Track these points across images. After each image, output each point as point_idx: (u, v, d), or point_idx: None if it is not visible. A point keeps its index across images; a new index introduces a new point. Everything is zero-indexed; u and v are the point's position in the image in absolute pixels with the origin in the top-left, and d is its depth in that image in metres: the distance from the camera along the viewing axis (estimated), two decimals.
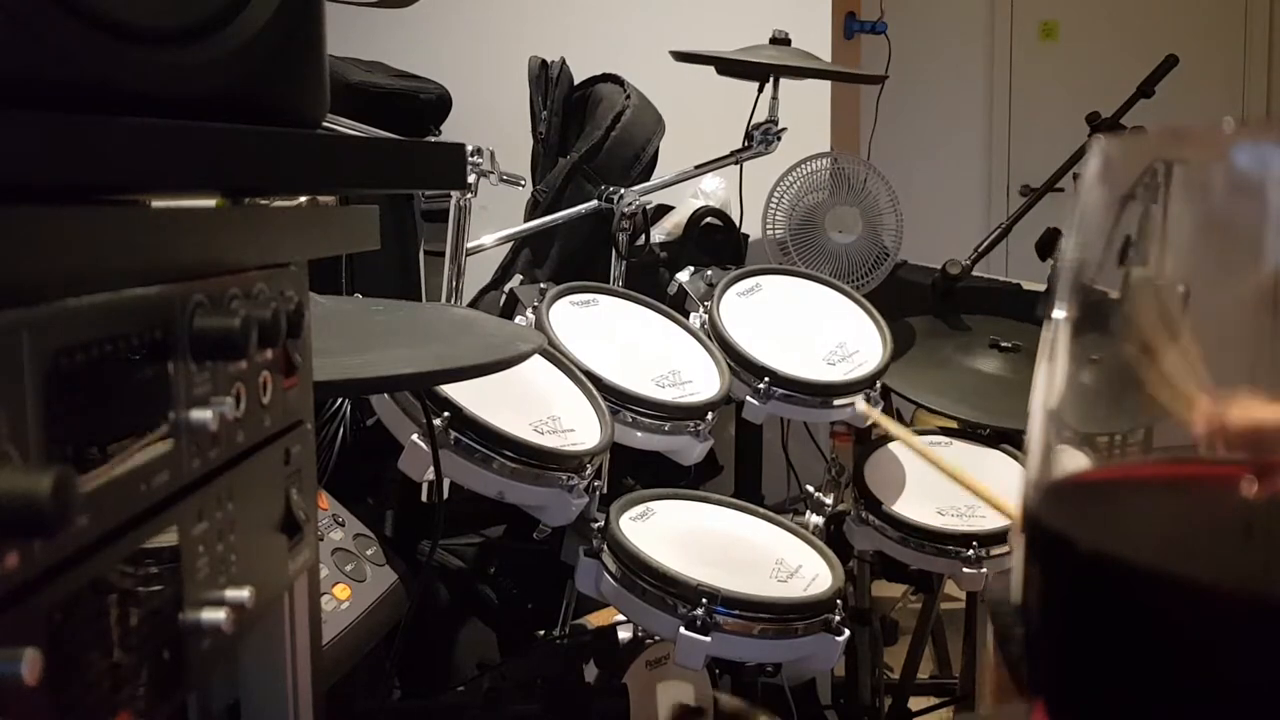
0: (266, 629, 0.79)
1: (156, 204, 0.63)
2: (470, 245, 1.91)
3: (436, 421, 1.35)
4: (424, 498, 1.60)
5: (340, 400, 1.76)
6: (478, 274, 2.23)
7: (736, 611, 1.41)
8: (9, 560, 0.45)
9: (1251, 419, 0.31)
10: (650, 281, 2.10)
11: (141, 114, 0.55)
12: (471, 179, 1.81)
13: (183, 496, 0.60)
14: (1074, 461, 0.34)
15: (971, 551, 1.67)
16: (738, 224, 2.36)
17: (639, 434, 1.61)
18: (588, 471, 1.47)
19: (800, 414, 1.83)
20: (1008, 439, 1.91)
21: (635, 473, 1.87)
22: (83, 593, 0.51)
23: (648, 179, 2.23)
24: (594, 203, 2.08)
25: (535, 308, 1.69)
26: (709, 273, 2.05)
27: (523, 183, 1.98)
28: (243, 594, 0.64)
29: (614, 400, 1.59)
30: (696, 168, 2.21)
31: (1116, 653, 0.30)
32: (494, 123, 2.48)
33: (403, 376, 1.07)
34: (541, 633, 1.78)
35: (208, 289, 0.62)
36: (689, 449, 1.66)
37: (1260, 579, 0.30)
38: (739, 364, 1.77)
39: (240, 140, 0.62)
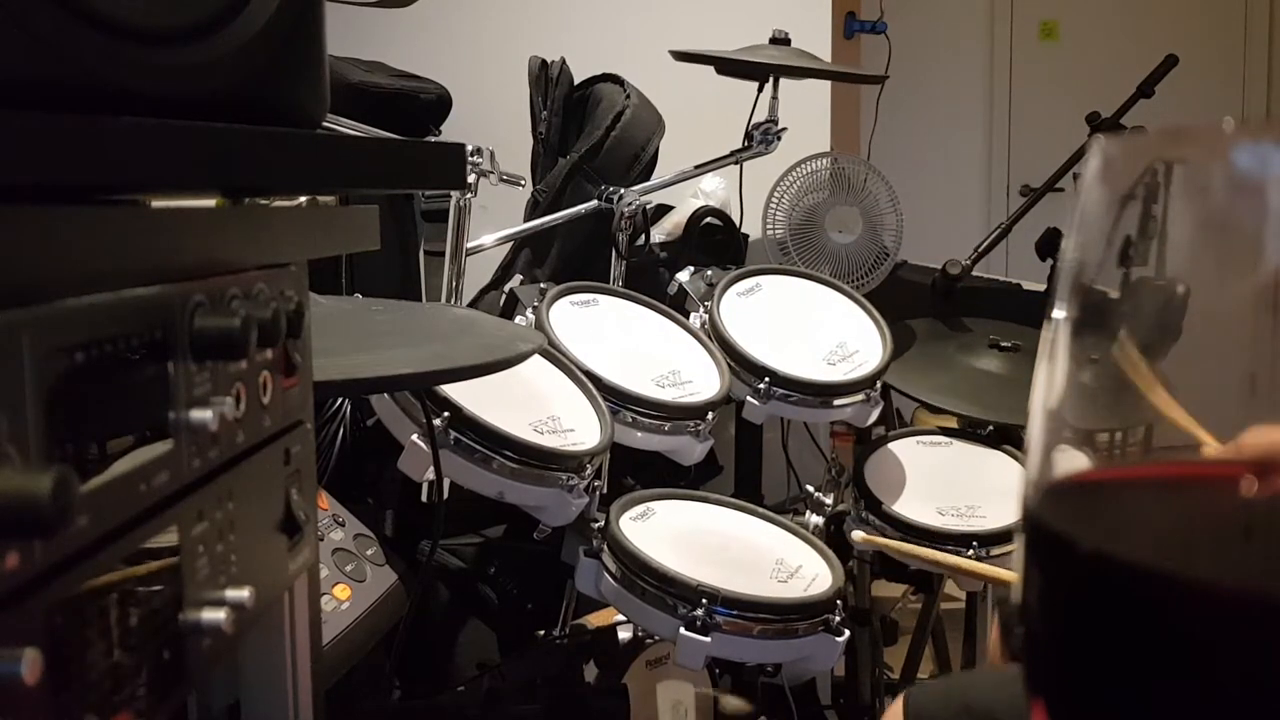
0: (266, 629, 0.79)
1: (156, 204, 0.63)
2: (470, 245, 1.91)
3: (436, 421, 1.35)
4: (424, 498, 1.60)
5: (340, 400, 1.76)
6: (478, 274, 2.23)
7: (736, 612, 1.41)
8: (9, 560, 0.45)
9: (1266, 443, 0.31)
10: (650, 281, 2.10)
11: (141, 114, 0.55)
12: (471, 179, 1.81)
13: (183, 496, 0.60)
14: (1074, 461, 0.33)
15: (971, 551, 1.67)
16: (738, 224, 2.36)
17: (639, 434, 1.61)
18: (588, 471, 1.47)
19: (800, 414, 1.83)
20: (1008, 436, 1.91)
21: (635, 473, 1.87)
22: (83, 593, 0.51)
23: (648, 179, 2.23)
24: (594, 203, 2.08)
25: (535, 308, 1.69)
26: (709, 273, 2.05)
27: (523, 183, 1.98)
28: (243, 594, 0.64)
29: (614, 400, 1.59)
30: (696, 168, 2.21)
31: (1116, 653, 0.30)
32: (494, 123, 2.48)
33: (403, 376, 1.07)
34: (541, 633, 1.78)
35: (208, 289, 0.62)
36: (689, 449, 1.66)
37: (1260, 579, 0.30)
38: (739, 364, 1.77)
39: (240, 140, 0.62)
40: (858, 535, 1.52)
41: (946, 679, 1.28)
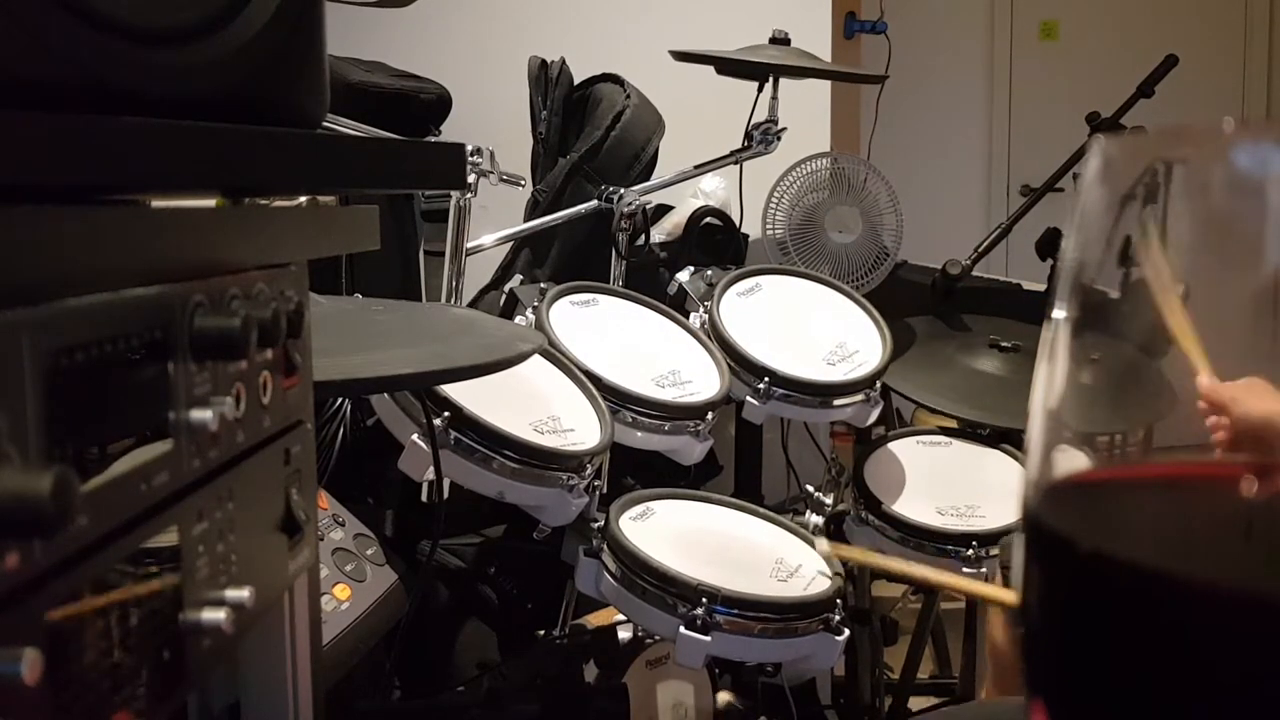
0: (266, 629, 0.79)
1: (156, 204, 0.63)
2: (470, 245, 1.91)
3: (436, 421, 1.35)
4: (424, 498, 1.60)
5: (340, 400, 1.76)
6: (478, 274, 2.23)
7: (736, 611, 1.41)
8: (9, 560, 0.45)
9: (1256, 412, 0.31)
10: (650, 281, 2.10)
11: (141, 114, 0.55)
12: (471, 179, 1.81)
13: (183, 496, 0.60)
14: (1074, 461, 0.33)
15: (971, 551, 1.67)
16: (738, 224, 2.36)
17: (639, 434, 1.61)
18: (588, 471, 1.47)
19: (800, 414, 1.83)
20: (1008, 439, 1.91)
21: (635, 473, 1.87)
22: (83, 592, 0.51)
23: (648, 179, 2.23)
24: (594, 203, 2.08)
25: (535, 308, 1.69)
26: (709, 273, 2.05)
27: (523, 183, 1.97)
28: (243, 594, 0.64)
29: (614, 400, 1.59)
30: (696, 168, 2.21)
31: (1116, 653, 0.30)
32: (494, 123, 2.48)
33: (403, 376, 1.07)
34: (541, 633, 1.78)
35: (208, 289, 0.62)
36: (689, 449, 1.66)
37: (1260, 579, 0.30)
38: (739, 364, 1.77)
39: (240, 140, 0.62)
40: (823, 546, 1.51)
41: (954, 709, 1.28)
